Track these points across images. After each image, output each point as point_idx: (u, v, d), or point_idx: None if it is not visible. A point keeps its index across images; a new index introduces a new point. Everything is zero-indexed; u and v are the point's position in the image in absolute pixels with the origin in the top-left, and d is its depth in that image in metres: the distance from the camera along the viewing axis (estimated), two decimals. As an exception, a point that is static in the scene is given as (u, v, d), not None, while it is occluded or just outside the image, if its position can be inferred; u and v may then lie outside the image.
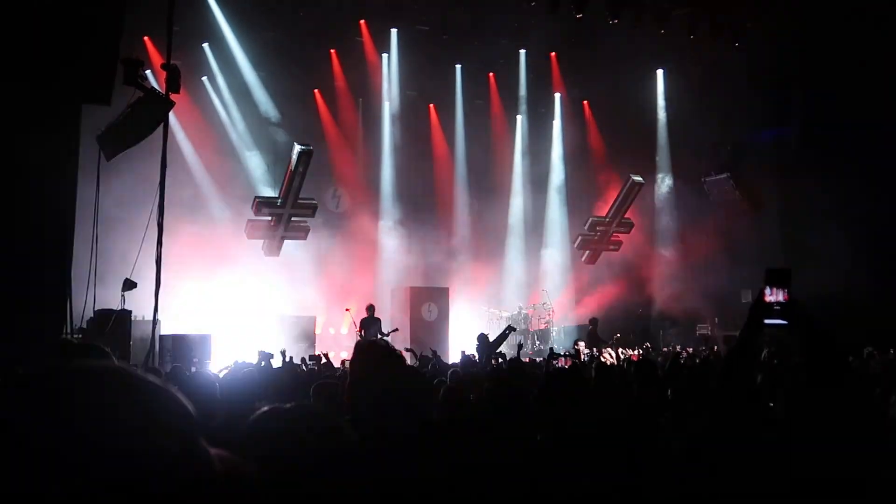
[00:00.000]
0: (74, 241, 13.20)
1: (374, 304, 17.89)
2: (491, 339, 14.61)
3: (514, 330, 16.14)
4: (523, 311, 21.18)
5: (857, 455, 2.90)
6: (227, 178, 19.54)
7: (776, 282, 3.17)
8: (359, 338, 16.88)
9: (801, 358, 3.56)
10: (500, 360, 12.16)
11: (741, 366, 3.28)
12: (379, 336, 16.85)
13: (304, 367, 12.46)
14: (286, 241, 19.80)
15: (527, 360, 14.43)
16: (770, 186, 21.80)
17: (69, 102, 12.60)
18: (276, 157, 20.10)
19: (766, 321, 3.19)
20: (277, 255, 19.74)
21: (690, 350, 16.55)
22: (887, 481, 2.84)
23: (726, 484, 3.03)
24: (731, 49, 21.07)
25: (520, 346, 14.70)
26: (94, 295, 13.79)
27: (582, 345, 16.89)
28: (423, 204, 21.79)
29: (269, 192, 19.83)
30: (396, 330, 17.24)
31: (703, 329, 21.16)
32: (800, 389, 3.48)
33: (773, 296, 3.15)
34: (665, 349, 18.45)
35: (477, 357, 13.45)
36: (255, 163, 20.04)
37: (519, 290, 22.51)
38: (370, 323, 17.50)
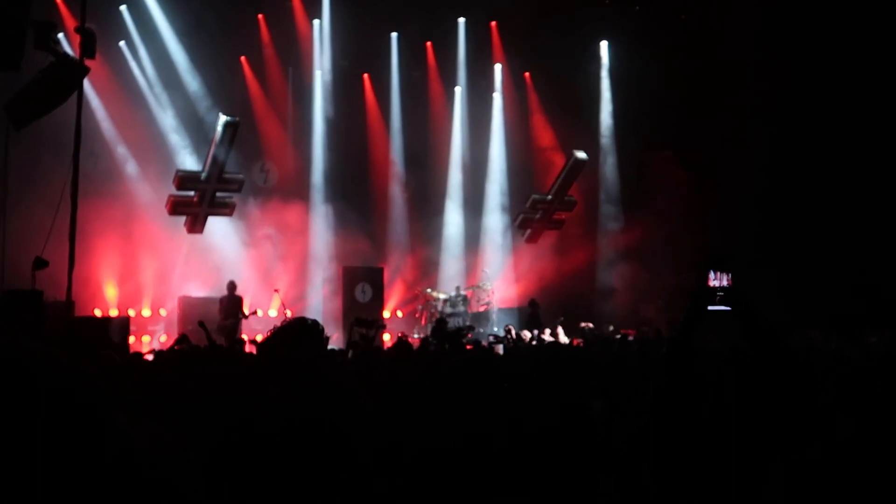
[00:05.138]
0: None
1: (235, 281, 17.32)
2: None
3: (473, 330, 15.76)
4: (461, 293, 20.45)
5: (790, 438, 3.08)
6: (147, 150, 18.60)
7: (718, 266, 3.34)
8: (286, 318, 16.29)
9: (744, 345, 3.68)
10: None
11: (683, 353, 3.30)
12: (240, 317, 16.62)
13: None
14: (211, 218, 18.93)
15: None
16: (714, 166, 21.37)
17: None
18: (199, 128, 19.11)
19: (710, 307, 3.29)
20: (201, 232, 18.94)
21: (633, 333, 16.14)
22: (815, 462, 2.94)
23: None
24: (678, 22, 20.79)
25: (461, 329, 14.41)
26: (2, 275, 13.39)
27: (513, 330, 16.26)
28: (356, 179, 21.01)
29: (192, 165, 18.86)
30: (255, 313, 16.80)
31: (647, 311, 20.83)
32: (746, 378, 3.58)
33: (717, 280, 3.30)
34: (608, 331, 17.99)
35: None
36: (176, 133, 19.00)
37: (457, 270, 21.80)
38: (230, 302, 16.96)
